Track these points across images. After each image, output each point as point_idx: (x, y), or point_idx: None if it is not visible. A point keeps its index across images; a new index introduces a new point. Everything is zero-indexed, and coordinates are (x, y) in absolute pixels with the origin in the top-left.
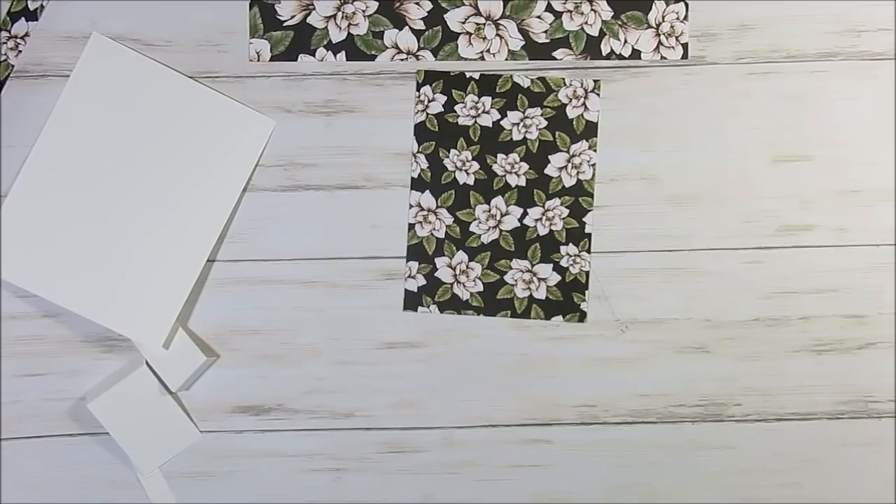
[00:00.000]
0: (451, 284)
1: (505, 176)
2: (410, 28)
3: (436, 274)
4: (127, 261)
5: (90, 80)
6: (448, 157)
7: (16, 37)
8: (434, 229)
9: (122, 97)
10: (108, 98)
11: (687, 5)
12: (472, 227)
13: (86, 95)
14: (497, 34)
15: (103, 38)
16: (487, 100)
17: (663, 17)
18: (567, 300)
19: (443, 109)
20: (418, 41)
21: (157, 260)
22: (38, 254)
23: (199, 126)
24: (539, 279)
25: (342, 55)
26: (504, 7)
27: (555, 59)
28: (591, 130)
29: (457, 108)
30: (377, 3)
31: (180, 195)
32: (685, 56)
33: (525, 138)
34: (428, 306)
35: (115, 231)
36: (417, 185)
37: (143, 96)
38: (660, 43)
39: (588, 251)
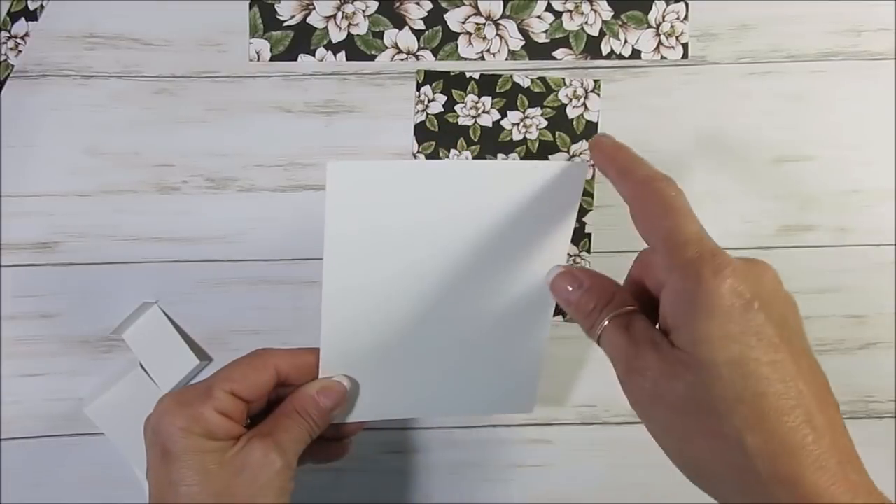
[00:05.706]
0: None
1: None
2: (410, 28)
3: None
4: (468, 350)
5: (346, 206)
6: (448, 157)
7: (16, 37)
8: None
9: (385, 205)
10: (371, 213)
11: (687, 5)
12: None
13: (348, 219)
14: (497, 34)
15: (339, 164)
16: (487, 100)
17: (663, 17)
18: None
19: (443, 109)
20: (418, 41)
21: (501, 337)
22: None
23: (502, 195)
24: None
25: (342, 55)
26: (504, 7)
27: (555, 59)
28: (591, 130)
29: (457, 108)
30: (377, 3)
31: (503, 268)
32: (685, 56)
33: (525, 138)
34: None
35: (442, 324)
36: None
37: (410, 194)
38: (660, 43)
39: (588, 251)
